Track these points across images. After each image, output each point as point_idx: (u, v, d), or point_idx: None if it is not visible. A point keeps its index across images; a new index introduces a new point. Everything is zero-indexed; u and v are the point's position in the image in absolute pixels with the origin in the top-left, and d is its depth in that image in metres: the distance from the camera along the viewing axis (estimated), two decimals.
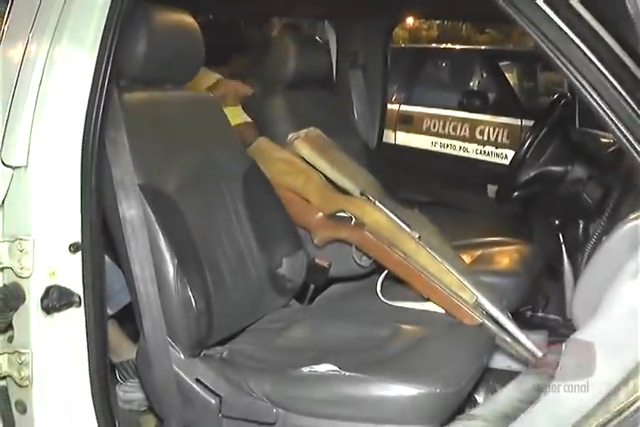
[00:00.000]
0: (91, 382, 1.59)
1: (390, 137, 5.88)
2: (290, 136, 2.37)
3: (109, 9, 1.49)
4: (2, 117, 1.51)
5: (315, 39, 2.92)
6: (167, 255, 1.69)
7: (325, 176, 2.26)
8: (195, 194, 1.86)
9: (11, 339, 1.59)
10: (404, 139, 6.12)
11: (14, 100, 1.50)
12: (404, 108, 6.33)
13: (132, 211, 1.65)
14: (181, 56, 1.87)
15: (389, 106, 6.85)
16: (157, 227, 1.69)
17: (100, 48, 1.49)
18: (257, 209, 2.04)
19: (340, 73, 3.02)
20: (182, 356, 1.73)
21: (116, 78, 1.61)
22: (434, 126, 6.04)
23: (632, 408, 1.09)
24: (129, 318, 1.89)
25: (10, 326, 1.58)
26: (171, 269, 1.69)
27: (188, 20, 1.90)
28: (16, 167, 1.51)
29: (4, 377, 1.59)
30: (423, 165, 2.82)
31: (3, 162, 1.52)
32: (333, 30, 3.11)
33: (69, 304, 1.58)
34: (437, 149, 5.95)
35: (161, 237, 1.69)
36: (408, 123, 6.20)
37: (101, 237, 1.62)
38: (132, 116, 1.72)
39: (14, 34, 1.54)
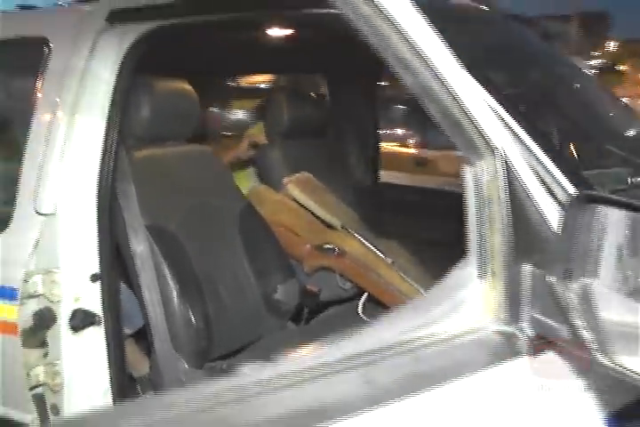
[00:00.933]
0: (111, 386, 1.94)
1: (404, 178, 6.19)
2: (284, 180, 2.73)
3: (115, 83, 1.89)
4: (34, 176, 1.91)
5: (307, 96, 3.27)
6: (171, 282, 2.05)
7: (313, 213, 2.61)
8: (196, 231, 2.21)
9: (46, 354, 1.94)
10: (414, 179, 6.43)
11: (44, 161, 1.90)
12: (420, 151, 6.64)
13: (140, 246, 2.02)
14: (180, 117, 2.24)
15: (405, 150, 7.24)
16: (162, 259, 2.05)
17: (108, 115, 1.89)
18: (252, 243, 2.39)
19: (336, 121, 3.35)
20: (186, 366, 2.06)
21: (124, 139, 2.00)
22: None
23: None
24: (145, 338, 2.24)
25: (44, 344, 1.94)
26: (174, 294, 2.05)
27: (184, 85, 2.27)
28: (47, 215, 1.90)
29: (41, 385, 1.95)
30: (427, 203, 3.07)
31: (36, 211, 1.91)
32: (326, 83, 3.47)
33: (91, 323, 1.94)
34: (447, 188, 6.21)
35: (165, 267, 2.04)
36: (422, 165, 6.53)
37: (117, 269, 1.99)
38: (139, 170, 2.10)
39: (44, 106, 1.94)
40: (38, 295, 1.91)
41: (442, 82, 0.93)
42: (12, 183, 1.96)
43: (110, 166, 1.91)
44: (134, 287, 2.10)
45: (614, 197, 0.91)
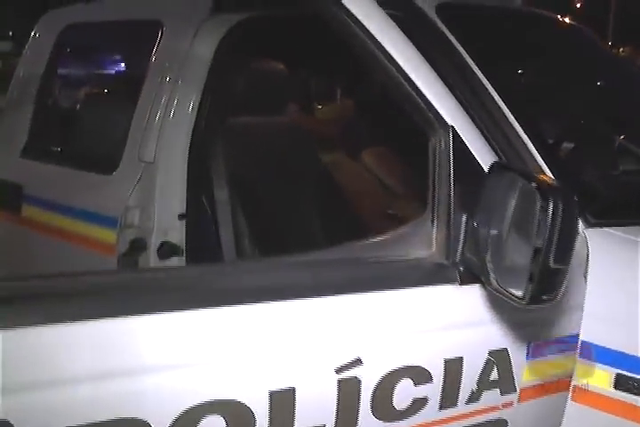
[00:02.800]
0: None
1: None
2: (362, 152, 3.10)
3: (212, 61, 2.31)
4: (140, 131, 2.38)
5: None
6: (244, 226, 2.45)
7: (383, 182, 2.96)
8: (273, 188, 2.54)
9: None
10: None
11: (149, 120, 2.36)
12: None
13: (222, 194, 2.43)
14: (270, 91, 2.61)
15: None
16: (239, 207, 2.44)
17: (204, 86, 2.31)
18: (324, 204, 2.70)
19: None
20: None
21: (220, 107, 2.42)
22: None
23: None
24: None
25: (136, 265, 2.39)
26: (246, 235, 2.44)
27: (277, 65, 2.64)
28: (147, 162, 2.36)
29: None
30: None
31: (139, 159, 2.38)
32: None
33: (175, 254, 2.39)
34: None
35: (240, 213, 2.45)
36: None
37: (202, 211, 2.42)
38: (229, 134, 2.49)
39: (154, 75, 2.40)
40: (135, 226, 2.38)
41: (403, 73, 1.27)
42: (122, 135, 2.43)
43: (202, 128, 2.34)
44: (215, 228, 2.51)
45: (516, 166, 1.22)
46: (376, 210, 2.91)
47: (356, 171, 3.04)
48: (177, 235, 2.37)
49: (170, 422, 1.02)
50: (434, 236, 1.33)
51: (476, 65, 1.76)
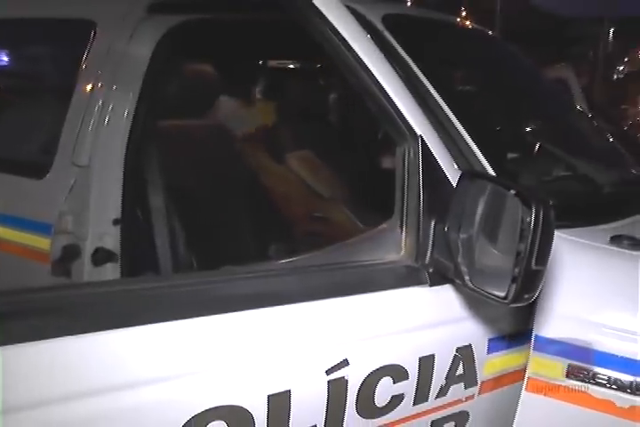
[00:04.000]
0: None
1: None
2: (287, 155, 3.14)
3: (148, 64, 2.29)
4: (74, 134, 2.32)
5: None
6: (179, 232, 2.45)
7: (309, 185, 3.02)
8: (206, 192, 2.57)
9: None
10: None
11: (83, 122, 2.31)
12: None
13: (156, 200, 2.42)
14: (201, 95, 2.62)
15: None
16: (173, 213, 2.44)
17: (140, 90, 2.29)
18: (253, 206, 2.76)
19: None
20: None
21: (154, 111, 2.39)
22: None
23: None
24: None
25: (69, 273, 2.34)
26: (181, 242, 2.45)
27: (207, 69, 2.65)
28: (81, 166, 2.31)
29: None
30: None
31: (73, 162, 2.32)
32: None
33: (110, 260, 2.35)
34: None
35: (175, 219, 2.44)
36: None
37: (136, 217, 2.39)
38: (164, 137, 2.49)
39: (87, 76, 2.35)
40: (69, 232, 2.32)
41: (376, 84, 1.33)
42: (54, 139, 2.37)
43: (138, 132, 2.31)
44: (150, 234, 2.49)
45: (487, 174, 1.30)
46: (302, 213, 2.97)
47: (282, 174, 3.09)
48: (112, 241, 2.34)
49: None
50: (403, 240, 1.39)
51: (422, 73, 1.84)
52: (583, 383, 1.52)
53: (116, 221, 2.34)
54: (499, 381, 1.55)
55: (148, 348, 1.05)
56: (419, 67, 1.85)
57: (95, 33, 2.37)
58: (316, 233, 2.93)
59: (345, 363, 1.22)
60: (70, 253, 2.32)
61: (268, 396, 1.13)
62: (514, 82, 2.36)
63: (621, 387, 1.50)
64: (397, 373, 1.30)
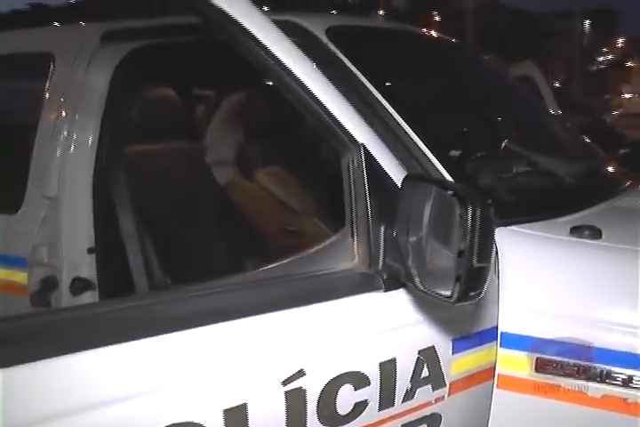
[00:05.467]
0: None
1: None
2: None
3: (107, 91, 2.31)
4: (41, 167, 2.34)
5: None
6: (153, 255, 2.45)
7: (280, 199, 3.03)
8: (177, 214, 2.61)
9: None
10: None
11: (49, 155, 2.33)
12: None
13: (128, 226, 2.43)
14: (165, 118, 2.64)
15: None
16: (146, 237, 2.45)
17: (102, 117, 2.31)
18: (225, 225, 2.78)
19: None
20: None
21: (119, 137, 2.42)
22: None
23: None
24: None
25: (49, 304, 2.35)
26: (155, 265, 2.45)
27: (168, 92, 2.68)
28: (51, 198, 2.33)
29: None
30: None
31: (43, 195, 2.34)
32: None
33: (88, 289, 2.36)
34: None
35: (148, 243, 2.45)
36: None
37: (111, 243, 2.41)
38: (131, 162, 2.51)
39: (50, 109, 2.37)
40: (44, 264, 2.33)
41: (315, 99, 1.34)
42: (24, 173, 2.39)
43: (104, 159, 2.33)
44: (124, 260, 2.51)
45: (427, 176, 1.32)
46: (276, 228, 2.98)
47: (253, 190, 3.10)
48: (87, 269, 2.35)
49: None
50: (355, 247, 1.40)
51: (370, 82, 1.87)
52: (553, 376, 1.52)
53: (90, 250, 2.36)
54: (469, 380, 1.56)
55: (102, 370, 1.06)
56: (366, 76, 1.87)
57: (54, 65, 2.39)
58: (290, 246, 2.93)
59: (301, 373, 1.23)
60: (48, 285, 2.34)
61: (224, 410, 1.13)
62: (469, 84, 2.39)
63: (591, 377, 1.51)
64: (358, 379, 1.31)
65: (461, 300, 1.18)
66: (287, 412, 1.21)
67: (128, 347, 1.08)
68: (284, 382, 1.21)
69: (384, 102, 1.83)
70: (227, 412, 1.14)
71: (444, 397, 1.49)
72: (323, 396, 1.26)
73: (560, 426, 1.56)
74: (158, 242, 2.48)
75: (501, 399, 1.58)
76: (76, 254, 2.34)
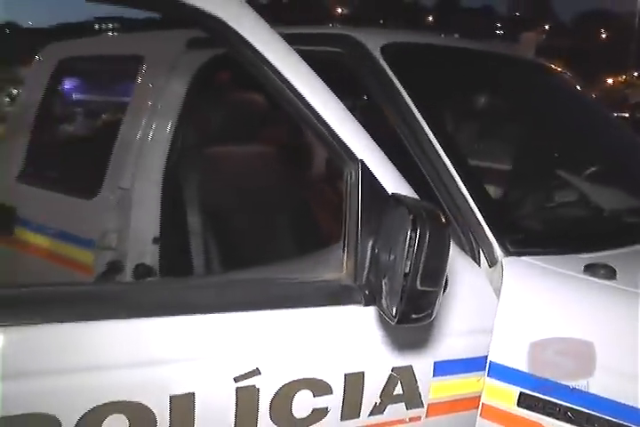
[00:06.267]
0: None
1: None
2: None
3: (185, 94, 2.47)
4: (120, 160, 2.54)
5: None
6: (214, 252, 2.59)
7: None
8: (243, 215, 2.71)
9: None
10: None
11: (128, 150, 2.52)
12: None
13: (194, 221, 2.58)
14: (243, 122, 2.77)
15: None
16: (210, 233, 2.59)
17: (178, 118, 2.48)
18: (294, 227, 2.85)
19: None
20: None
21: (196, 137, 2.58)
22: None
23: None
24: None
25: None
26: (215, 262, 2.58)
27: (250, 96, 2.79)
28: (125, 189, 2.52)
29: None
30: None
31: (118, 186, 2.54)
32: None
33: (150, 275, 2.53)
34: None
35: (211, 239, 2.58)
36: None
37: (175, 235, 2.57)
38: (205, 162, 2.65)
39: (132, 108, 2.57)
40: (112, 249, 2.53)
41: (315, 114, 1.40)
42: (104, 164, 2.60)
43: (176, 157, 2.49)
44: (187, 252, 2.66)
45: (403, 196, 1.33)
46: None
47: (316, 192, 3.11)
48: (151, 257, 2.51)
49: (77, 419, 1.15)
50: (344, 260, 1.44)
51: (415, 106, 1.89)
52: (533, 413, 1.50)
53: (155, 240, 2.52)
54: (453, 405, 1.56)
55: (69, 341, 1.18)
56: (412, 99, 1.89)
57: (143, 66, 2.59)
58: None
59: (256, 372, 1.29)
60: (114, 268, 2.52)
61: (171, 396, 1.22)
62: (530, 109, 2.34)
63: (574, 420, 1.47)
64: (318, 386, 1.36)
65: (402, 321, 1.20)
66: (237, 407, 1.28)
67: (102, 325, 1.19)
68: (237, 379, 1.28)
69: (425, 128, 1.84)
70: (173, 398, 1.22)
71: (420, 417, 1.51)
72: (277, 397, 1.32)
73: None
74: (221, 240, 2.61)
75: None
76: (142, 243, 2.51)
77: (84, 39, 3.19)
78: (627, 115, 17.30)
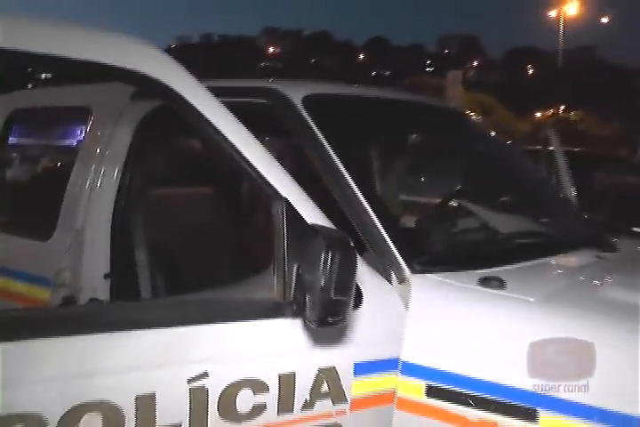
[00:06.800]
0: None
1: None
2: None
3: (130, 142, 2.75)
4: (72, 203, 2.79)
5: None
6: (160, 284, 2.84)
7: None
8: (186, 250, 2.99)
9: None
10: None
11: (76, 196, 2.77)
12: None
13: (141, 256, 2.83)
14: (183, 165, 3.07)
15: None
16: (156, 268, 2.84)
17: (124, 163, 2.75)
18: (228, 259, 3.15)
19: None
20: None
21: (141, 180, 2.85)
22: None
23: None
24: None
25: None
26: (162, 294, 2.84)
27: (189, 142, 3.10)
28: (77, 230, 2.76)
29: None
30: None
31: (71, 227, 2.78)
32: None
33: None
34: None
35: (158, 274, 2.83)
36: None
37: (126, 271, 2.81)
38: (149, 203, 2.93)
39: (82, 156, 2.84)
40: (66, 285, 2.75)
41: (245, 160, 1.70)
42: (57, 207, 2.84)
43: (122, 199, 2.75)
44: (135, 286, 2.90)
45: (320, 227, 1.64)
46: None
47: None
48: (102, 292, 2.75)
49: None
50: (275, 282, 1.73)
51: (336, 148, 2.21)
52: (439, 401, 1.81)
53: (106, 276, 2.76)
54: (373, 400, 1.85)
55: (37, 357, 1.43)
56: (329, 143, 2.21)
57: (92, 116, 2.86)
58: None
59: (205, 375, 1.56)
60: (68, 303, 2.74)
61: (136, 396, 1.48)
62: (423, 143, 2.71)
63: (470, 404, 1.78)
64: (257, 386, 1.63)
65: (321, 325, 1.50)
66: (190, 404, 1.54)
67: (62, 340, 1.44)
68: (189, 381, 1.55)
69: (341, 168, 2.16)
70: (138, 398, 1.48)
71: (345, 411, 1.79)
72: (223, 395, 1.59)
73: None
74: (166, 272, 2.87)
75: (400, 419, 1.86)
76: (94, 279, 2.74)
77: (35, 90, 3.42)
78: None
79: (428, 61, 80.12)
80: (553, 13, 33.34)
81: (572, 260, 2.37)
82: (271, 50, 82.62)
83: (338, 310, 1.51)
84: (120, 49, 1.62)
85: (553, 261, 2.32)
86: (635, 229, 5.96)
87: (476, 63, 77.88)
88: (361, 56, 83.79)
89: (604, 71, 61.35)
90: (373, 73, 73.87)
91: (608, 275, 2.27)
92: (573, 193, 3.50)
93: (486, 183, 2.78)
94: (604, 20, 37.68)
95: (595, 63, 66.43)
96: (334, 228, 1.71)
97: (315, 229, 1.62)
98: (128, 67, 1.60)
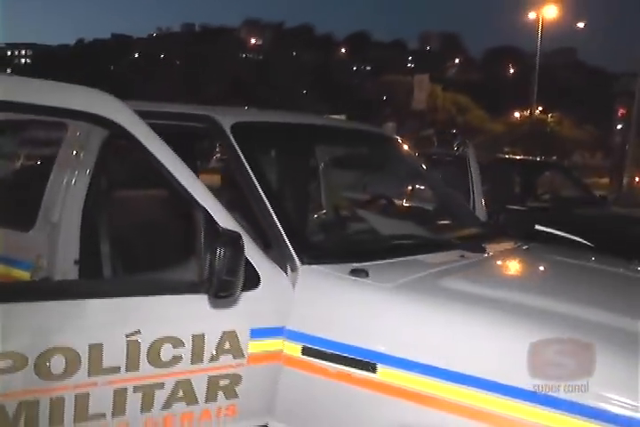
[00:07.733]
0: None
1: None
2: None
3: (99, 150, 3.41)
4: (51, 199, 3.44)
5: None
6: (121, 268, 3.50)
7: None
8: (145, 242, 3.65)
9: None
10: None
11: (54, 194, 3.43)
12: None
13: (105, 246, 3.49)
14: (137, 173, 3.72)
15: None
16: (117, 256, 3.50)
17: (94, 168, 3.40)
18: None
19: None
20: None
21: (109, 182, 3.51)
22: None
23: None
24: None
25: None
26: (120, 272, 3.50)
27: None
28: (53, 223, 3.42)
29: None
30: None
31: (48, 220, 3.44)
32: None
33: None
34: None
35: (118, 261, 3.50)
36: None
37: (93, 258, 3.47)
38: (115, 201, 3.58)
39: (59, 161, 3.49)
40: (44, 269, 3.41)
41: (173, 177, 2.37)
42: (37, 204, 3.50)
43: (92, 198, 3.41)
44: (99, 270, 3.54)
45: (225, 229, 2.33)
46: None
47: None
48: (73, 275, 3.41)
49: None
50: (195, 267, 2.40)
51: (254, 168, 2.89)
52: (312, 358, 2.50)
53: (75, 262, 3.41)
54: (265, 356, 2.53)
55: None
56: (250, 165, 2.89)
57: (68, 129, 3.52)
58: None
59: (138, 332, 2.24)
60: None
61: (89, 345, 2.16)
62: (331, 163, 3.42)
63: (331, 359, 2.47)
64: (175, 342, 2.31)
65: (217, 297, 2.19)
66: (127, 353, 2.23)
67: (39, 304, 2.12)
68: (127, 335, 2.23)
69: (257, 184, 2.84)
70: (90, 346, 2.16)
71: (243, 364, 2.48)
72: (151, 348, 2.27)
73: (315, 390, 2.52)
74: (124, 259, 3.53)
75: (285, 371, 2.55)
76: (66, 264, 3.39)
77: None
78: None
79: (410, 57, 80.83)
80: (532, 15, 33.93)
81: (436, 258, 3.06)
82: (253, 41, 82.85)
83: (229, 287, 2.19)
84: (79, 96, 2.29)
85: (420, 258, 3.01)
86: (538, 227, 6.74)
87: (457, 61, 78.64)
88: (342, 50, 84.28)
89: (582, 74, 62.47)
90: (354, 68, 74.37)
91: (459, 270, 2.97)
92: (482, 202, 4.22)
93: (383, 193, 3.49)
94: (580, 24, 38.35)
95: (574, 65, 67.50)
96: (233, 229, 2.38)
97: (219, 229, 2.30)
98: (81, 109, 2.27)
